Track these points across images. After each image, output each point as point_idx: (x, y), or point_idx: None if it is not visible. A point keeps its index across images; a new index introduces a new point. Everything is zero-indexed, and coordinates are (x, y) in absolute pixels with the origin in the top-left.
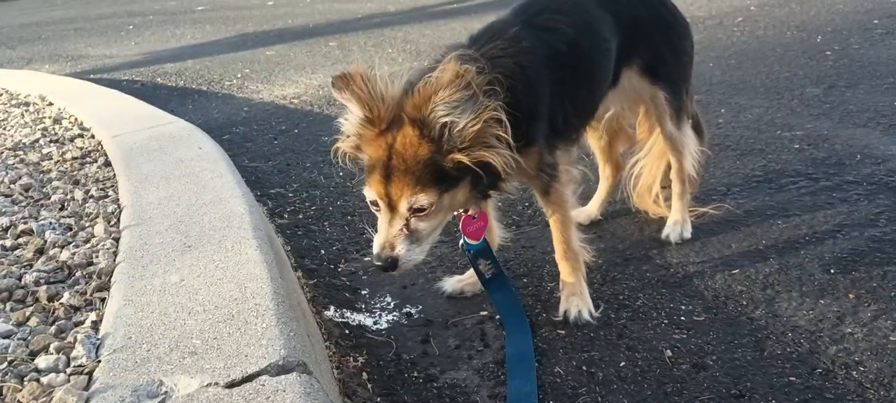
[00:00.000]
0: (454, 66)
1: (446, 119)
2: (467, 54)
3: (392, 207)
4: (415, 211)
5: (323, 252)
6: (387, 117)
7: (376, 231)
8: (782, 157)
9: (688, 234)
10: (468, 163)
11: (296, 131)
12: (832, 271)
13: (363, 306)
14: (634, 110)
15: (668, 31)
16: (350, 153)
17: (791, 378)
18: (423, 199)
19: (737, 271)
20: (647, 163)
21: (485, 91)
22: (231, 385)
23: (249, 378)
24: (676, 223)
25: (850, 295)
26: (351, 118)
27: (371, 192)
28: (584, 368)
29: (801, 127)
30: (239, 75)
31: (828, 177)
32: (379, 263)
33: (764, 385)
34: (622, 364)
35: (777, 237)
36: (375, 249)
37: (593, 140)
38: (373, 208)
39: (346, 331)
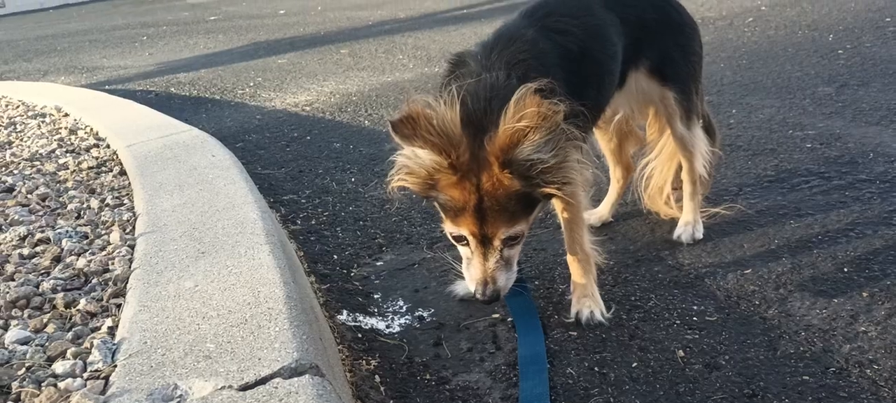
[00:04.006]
0: (536, 103)
1: (533, 157)
2: (544, 87)
3: (485, 242)
4: (507, 240)
5: (335, 257)
6: (467, 160)
7: (465, 262)
8: (794, 157)
9: (699, 235)
10: (556, 191)
11: (308, 138)
12: (845, 270)
13: (375, 310)
14: (643, 112)
15: (676, 31)
16: (418, 193)
17: (804, 377)
18: (516, 230)
19: (749, 271)
20: (657, 165)
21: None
22: (244, 387)
23: (262, 381)
24: (688, 224)
25: (864, 294)
26: (417, 159)
27: (461, 230)
28: (595, 369)
29: (813, 126)
30: (251, 84)
31: (840, 175)
32: (483, 299)
33: (777, 384)
34: (634, 364)
35: (789, 236)
36: (477, 286)
37: (603, 142)
38: (458, 243)
39: (359, 335)
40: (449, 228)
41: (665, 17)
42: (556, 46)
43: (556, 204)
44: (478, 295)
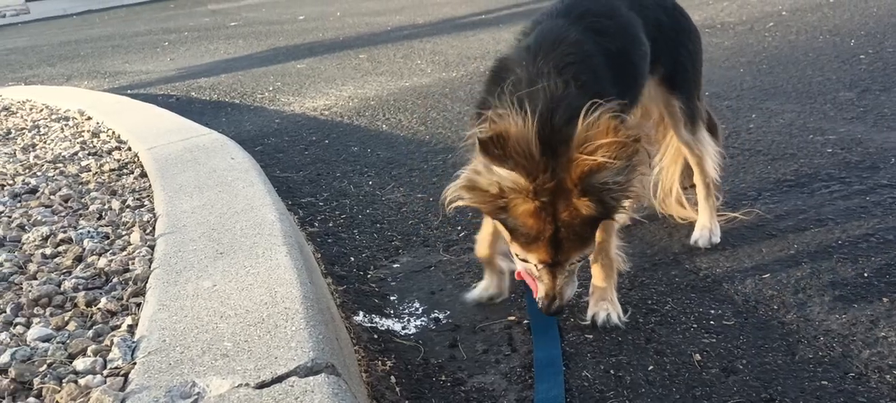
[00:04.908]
0: (612, 130)
1: (610, 182)
2: (616, 110)
3: (555, 266)
4: (577, 261)
5: (352, 259)
6: (549, 188)
7: (536, 274)
8: (814, 162)
9: (716, 239)
10: (626, 211)
11: (326, 142)
12: (866, 274)
13: (392, 311)
14: (646, 116)
15: (685, 38)
16: (482, 210)
17: (823, 382)
18: (587, 251)
19: (768, 275)
20: (664, 167)
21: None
22: (261, 386)
23: (279, 379)
24: (704, 227)
25: (884, 299)
26: (491, 177)
27: (532, 258)
28: (611, 372)
29: (834, 131)
30: (271, 88)
31: (861, 180)
32: (549, 313)
33: (795, 389)
34: (650, 368)
35: (809, 241)
36: (546, 302)
37: None
38: (525, 262)
39: (375, 336)
40: (517, 251)
41: (676, 23)
42: (599, 48)
43: None
44: (544, 310)
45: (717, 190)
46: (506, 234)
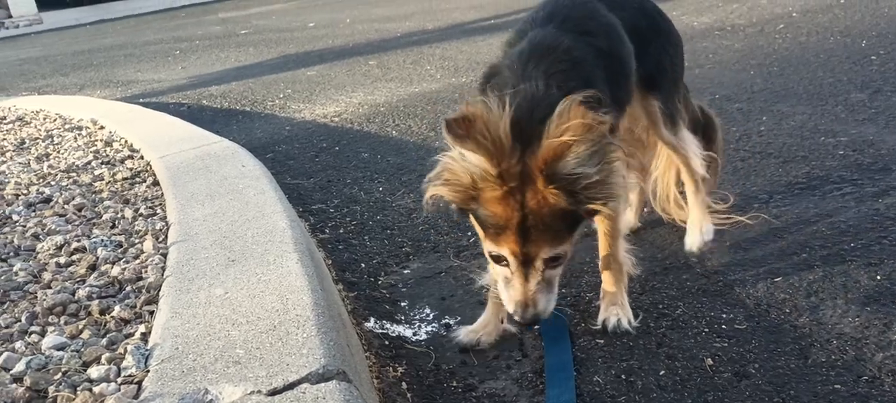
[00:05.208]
0: (580, 115)
1: (578, 171)
2: (589, 98)
3: (526, 263)
4: (549, 261)
5: (363, 265)
6: (515, 174)
7: (503, 281)
8: (826, 164)
9: (709, 236)
10: (601, 207)
11: (336, 148)
12: (878, 277)
13: (403, 317)
14: (633, 120)
15: (664, 40)
16: (456, 205)
17: (836, 386)
18: (559, 250)
19: (779, 279)
20: (659, 169)
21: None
22: (273, 392)
23: (291, 386)
24: (696, 225)
25: None
26: (464, 166)
27: (501, 251)
28: (622, 377)
29: (846, 132)
30: (281, 95)
31: (873, 182)
32: (522, 321)
33: (808, 393)
34: (662, 372)
35: (821, 244)
36: (518, 308)
37: None
38: (497, 263)
39: (386, 342)
40: (488, 247)
41: (655, 25)
42: (590, 49)
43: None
44: (517, 318)
45: (708, 187)
46: (480, 232)
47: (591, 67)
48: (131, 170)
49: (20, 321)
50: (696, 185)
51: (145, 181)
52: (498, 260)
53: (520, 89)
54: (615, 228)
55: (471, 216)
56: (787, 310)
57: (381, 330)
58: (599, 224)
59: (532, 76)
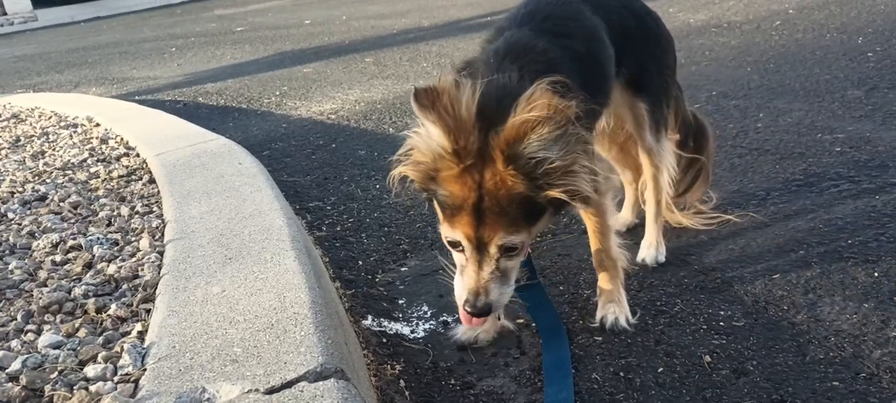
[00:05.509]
0: (546, 97)
1: (539, 155)
2: (556, 82)
3: (480, 248)
4: (505, 249)
5: (360, 263)
6: (473, 151)
7: (459, 270)
8: (823, 160)
9: (662, 258)
10: (561, 196)
11: (333, 146)
12: (876, 274)
13: (400, 315)
14: (619, 121)
15: (653, 42)
16: (418, 185)
17: (834, 383)
18: (516, 239)
19: (777, 275)
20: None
21: (573, 119)
22: (271, 391)
23: (288, 385)
24: (651, 245)
25: (895, 298)
26: (427, 142)
27: (456, 234)
28: (621, 374)
29: (843, 129)
30: (277, 93)
31: (870, 179)
32: (473, 311)
33: (806, 390)
34: (660, 369)
35: (819, 241)
36: (468, 296)
37: (603, 152)
38: (454, 249)
39: (384, 340)
40: (445, 231)
41: (644, 26)
42: (566, 53)
43: (583, 213)
44: (467, 308)
45: (668, 208)
46: (440, 214)
47: (568, 72)
48: (127, 167)
49: (16, 319)
50: (658, 205)
51: (141, 179)
52: (454, 245)
53: (493, 78)
54: (604, 225)
55: (434, 200)
56: (785, 307)
57: (378, 328)
58: (587, 221)
59: (506, 70)
